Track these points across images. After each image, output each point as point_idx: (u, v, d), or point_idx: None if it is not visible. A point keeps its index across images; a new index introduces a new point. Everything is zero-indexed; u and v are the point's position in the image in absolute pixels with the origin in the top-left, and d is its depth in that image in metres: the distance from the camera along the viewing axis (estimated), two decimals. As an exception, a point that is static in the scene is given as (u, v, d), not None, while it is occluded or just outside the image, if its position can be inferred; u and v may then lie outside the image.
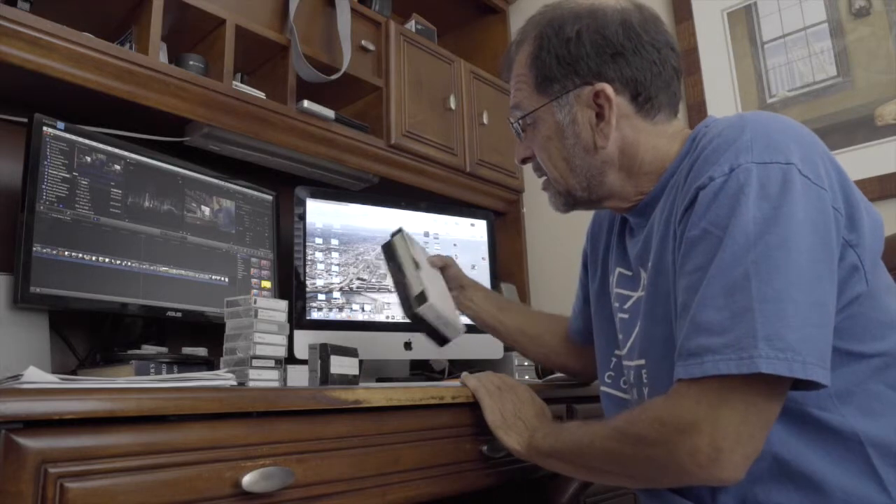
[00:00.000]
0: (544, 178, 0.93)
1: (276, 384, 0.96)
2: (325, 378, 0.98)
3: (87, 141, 1.20)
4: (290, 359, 1.13)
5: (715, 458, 0.63)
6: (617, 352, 0.92)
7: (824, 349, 0.63)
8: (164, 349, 1.27)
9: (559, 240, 2.12)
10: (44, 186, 1.11)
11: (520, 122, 0.90)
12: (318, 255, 1.48)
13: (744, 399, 0.63)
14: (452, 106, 1.89)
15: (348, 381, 1.00)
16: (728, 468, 0.63)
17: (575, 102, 0.84)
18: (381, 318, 1.54)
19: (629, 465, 0.72)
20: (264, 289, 1.48)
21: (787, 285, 0.62)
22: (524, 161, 0.94)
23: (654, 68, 0.82)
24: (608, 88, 0.81)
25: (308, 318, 1.43)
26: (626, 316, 0.88)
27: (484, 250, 1.75)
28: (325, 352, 0.99)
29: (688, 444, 0.64)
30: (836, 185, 0.70)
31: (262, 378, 0.95)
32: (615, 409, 0.92)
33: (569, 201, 0.91)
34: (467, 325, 1.17)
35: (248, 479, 0.71)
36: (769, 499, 0.70)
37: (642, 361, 0.82)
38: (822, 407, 0.69)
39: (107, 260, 1.19)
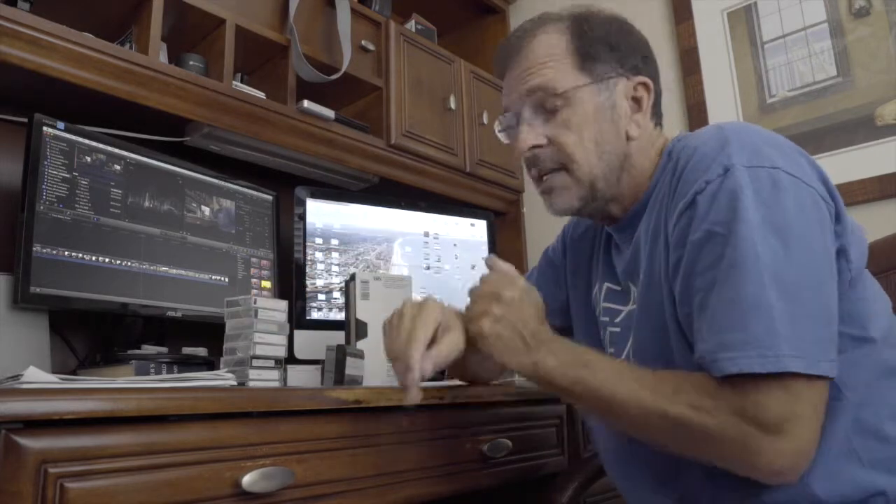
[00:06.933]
0: (552, 172, 0.85)
1: (276, 384, 0.96)
2: (341, 378, 1.00)
3: (87, 141, 1.20)
4: (290, 359, 1.14)
5: (795, 463, 0.64)
6: None
7: (832, 343, 0.66)
8: (164, 349, 1.27)
9: (559, 240, 2.11)
10: (44, 186, 1.11)
11: (547, 100, 0.84)
12: (318, 255, 1.48)
13: (813, 400, 0.63)
14: (452, 106, 1.89)
15: (357, 381, 1.03)
16: (797, 473, 0.65)
17: (615, 89, 0.86)
18: (381, 318, 1.54)
19: (680, 444, 0.69)
20: (264, 289, 1.47)
21: (798, 283, 0.65)
22: (532, 149, 0.85)
23: (659, 79, 0.90)
24: (650, 82, 0.86)
25: (308, 318, 1.43)
26: (617, 329, 0.89)
27: (484, 250, 1.75)
28: (342, 353, 1.02)
29: (774, 447, 0.62)
30: (820, 182, 0.73)
31: (262, 378, 0.95)
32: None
33: (584, 195, 0.85)
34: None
35: (248, 479, 0.71)
36: None
37: None
38: None
39: (107, 260, 1.19)
